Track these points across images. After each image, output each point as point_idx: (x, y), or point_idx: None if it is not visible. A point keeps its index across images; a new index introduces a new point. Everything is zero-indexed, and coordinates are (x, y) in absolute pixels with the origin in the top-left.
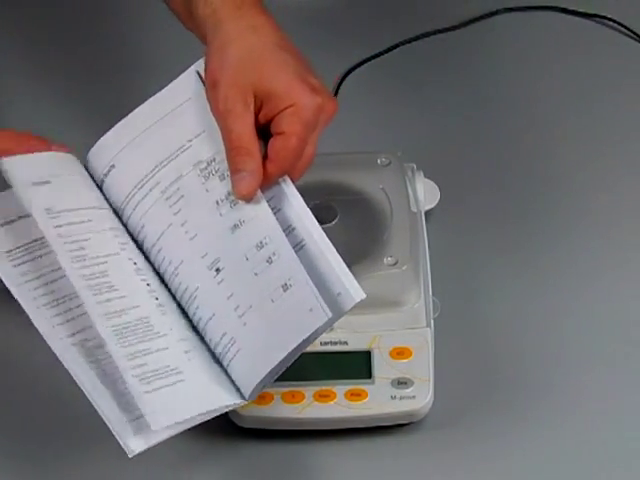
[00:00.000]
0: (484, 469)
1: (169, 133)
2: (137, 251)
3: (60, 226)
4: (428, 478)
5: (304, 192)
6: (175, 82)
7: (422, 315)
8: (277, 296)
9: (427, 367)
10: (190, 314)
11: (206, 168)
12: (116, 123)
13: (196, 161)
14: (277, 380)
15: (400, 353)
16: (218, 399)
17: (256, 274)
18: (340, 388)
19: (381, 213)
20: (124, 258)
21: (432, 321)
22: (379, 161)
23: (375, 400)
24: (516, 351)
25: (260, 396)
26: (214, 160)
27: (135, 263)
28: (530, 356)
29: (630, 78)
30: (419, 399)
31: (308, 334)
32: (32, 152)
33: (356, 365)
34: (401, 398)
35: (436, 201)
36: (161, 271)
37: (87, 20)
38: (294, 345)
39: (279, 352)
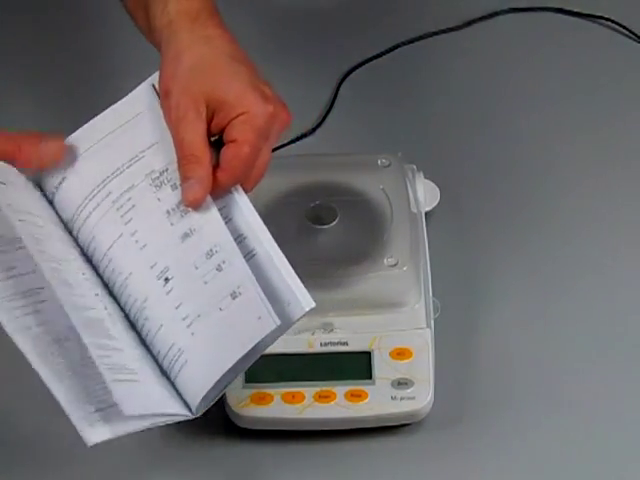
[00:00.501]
0: (484, 470)
1: (122, 144)
2: (85, 264)
3: (23, 221)
4: (428, 479)
5: (305, 192)
6: (131, 95)
7: (422, 316)
8: (226, 304)
9: (427, 368)
10: (139, 327)
11: (158, 177)
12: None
13: (149, 171)
14: (277, 381)
15: (400, 354)
16: (170, 406)
17: (205, 282)
18: (340, 389)
19: (381, 214)
20: (74, 267)
21: (432, 322)
22: (379, 162)
23: (375, 401)
24: (516, 352)
25: (260, 397)
26: (167, 170)
27: (84, 274)
28: (530, 357)
29: (630, 78)
30: (419, 400)
31: (255, 342)
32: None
33: (356, 366)
34: (401, 399)
35: (436, 202)
36: (110, 284)
37: (82, 22)
38: (242, 354)
39: (227, 361)
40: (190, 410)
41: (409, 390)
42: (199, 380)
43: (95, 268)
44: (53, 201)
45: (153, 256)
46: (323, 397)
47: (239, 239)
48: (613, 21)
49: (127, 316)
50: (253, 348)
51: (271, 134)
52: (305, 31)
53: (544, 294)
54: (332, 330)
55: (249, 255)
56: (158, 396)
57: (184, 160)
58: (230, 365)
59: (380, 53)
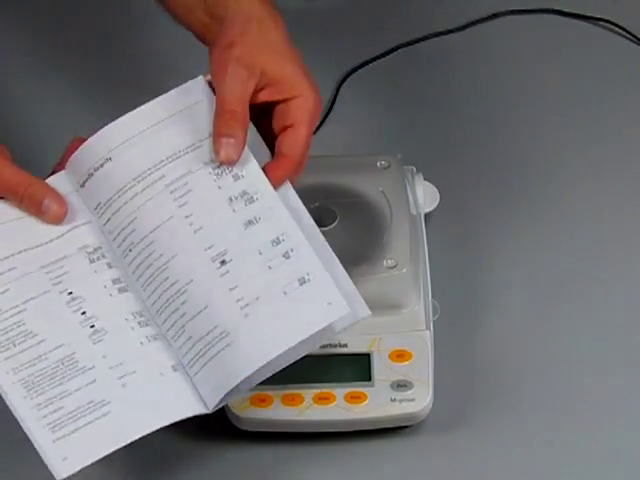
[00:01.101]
0: (483, 471)
1: (179, 131)
2: (80, 275)
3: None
4: None
5: (304, 194)
6: (184, 86)
7: (422, 318)
8: (292, 289)
9: (427, 370)
10: (166, 315)
11: (219, 167)
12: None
13: (208, 160)
14: (277, 383)
15: (400, 356)
16: (158, 418)
17: (270, 267)
18: (340, 391)
19: (381, 216)
20: (54, 294)
21: (432, 323)
22: (379, 164)
23: (375, 403)
24: (515, 353)
25: (260, 399)
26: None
27: (70, 293)
28: (530, 359)
29: (629, 80)
30: (419, 401)
31: (324, 325)
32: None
33: (356, 368)
34: (401, 401)
35: (436, 204)
36: (138, 271)
37: (89, 17)
38: (305, 335)
39: (283, 344)
40: (204, 405)
41: (408, 392)
42: (238, 364)
43: (121, 255)
44: (85, 184)
45: (210, 238)
46: (323, 399)
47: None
48: (612, 23)
49: (148, 309)
50: (314, 335)
51: (315, 122)
52: (305, 32)
53: (543, 296)
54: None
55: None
56: (140, 415)
57: (227, 114)
58: (286, 347)
59: (380, 54)
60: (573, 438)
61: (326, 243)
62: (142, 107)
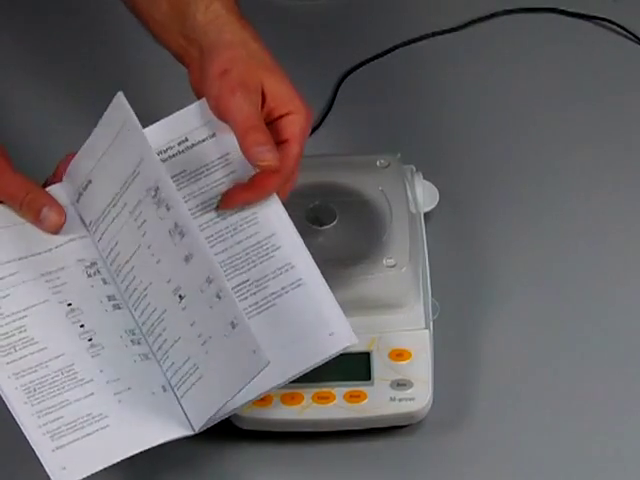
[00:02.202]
0: (483, 471)
1: (121, 159)
2: (78, 288)
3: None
4: (427, 479)
5: (304, 193)
6: (109, 111)
7: (421, 317)
8: (228, 332)
9: (426, 369)
10: (154, 336)
11: (155, 196)
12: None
13: (148, 187)
14: None
15: (399, 355)
16: (152, 436)
17: (211, 307)
18: (339, 390)
19: (380, 215)
20: (54, 303)
21: (431, 323)
22: (378, 163)
23: (374, 402)
24: (515, 352)
25: (260, 398)
26: (157, 189)
27: (70, 304)
28: (529, 357)
29: (629, 79)
30: (418, 401)
31: (250, 379)
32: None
33: (355, 367)
34: (400, 400)
35: (435, 203)
36: (129, 291)
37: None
38: (237, 389)
39: (233, 387)
40: (191, 426)
41: (408, 391)
42: (209, 398)
43: (114, 273)
44: (79, 200)
45: (167, 272)
46: (322, 398)
47: (286, 267)
48: (612, 22)
49: (139, 327)
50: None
51: (306, 139)
52: (305, 31)
53: (543, 295)
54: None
55: (295, 284)
56: (135, 432)
57: (251, 129)
58: (234, 392)
59: (379, 54)
60: (573, 438)
61: (315, 266)
62: (96, 129)
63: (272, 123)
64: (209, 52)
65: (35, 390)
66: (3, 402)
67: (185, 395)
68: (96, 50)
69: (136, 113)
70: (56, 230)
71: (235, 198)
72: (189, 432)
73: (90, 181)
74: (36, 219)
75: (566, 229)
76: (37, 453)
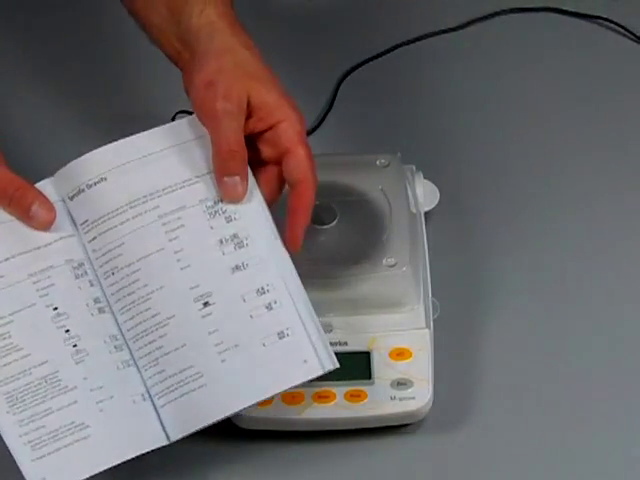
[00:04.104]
0: (483, 470)
1: (178, 164)
2: (65, 290)
3: None
4: (427, 479)
5: None
6: (180, 121)
7: (422, 316)
8: (271, 342)
9: (427, 368)
10: (143, 342)
11: (213, 207)
12: (110, 129)
13: (203, 197)
14: None
15: (400, 354)
16: (132, 447)
17: (251, 317)
18: (340, 389)
19: (380, 214)
20: (40, 307)
21: (432, 322)
22: (378, 162)
23: (375, 401)
24: (515, 352)
25: None
26: (222, 200)
27: (55, 308)
28: (530, 358)
29: (629, 79)
30: (419, 400)
31: (296, 383)
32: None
33: (356, 366)
34: (401, 399)
35: (435, 202)
36: (121, 293)
37: (88, 23)
38: (276, 391)
39: (255, 395)
40: (167, 436)
41: (408, 390)
42: (210, 407)
43: (102, 276)
44: (73, 199)
45: (196, 278)
46: (322, 397)
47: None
48: (612, 21)
49: (122, 333)
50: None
51: (307, 141)
52: (305, 31)
53: (544, 294)
54: (331, 330)
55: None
56: (115, 442)
57: (226, 155)
58: (256, 400)
59: (380, 53)
60: (573, 438)
61: (301, 287)
62: (144, 133)
63: (264, 134)
64: (198, 59)
65: (17, 399)
66: None
67: (169, 404)
68: (96, 51)
69: (135, 114)
70: (46, 227)
71: (296, 232)
72: (164, 442)
73: (105, 178)
74: (26, 216)
75: (566, 229)
76: (17, 462)
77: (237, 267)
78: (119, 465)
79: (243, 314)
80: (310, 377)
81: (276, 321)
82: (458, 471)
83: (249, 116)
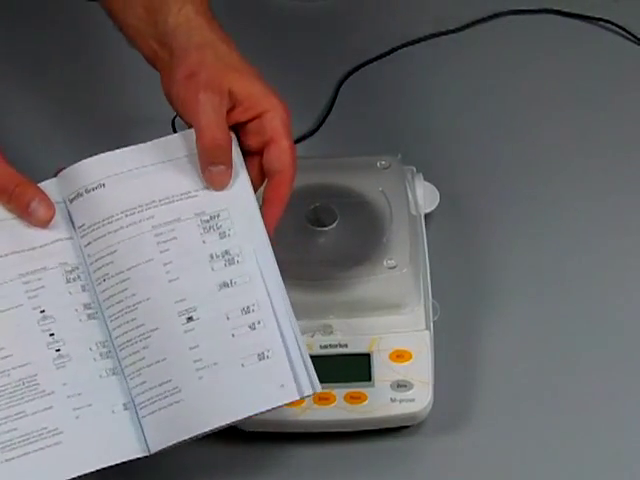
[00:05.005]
0: (483, 472)
1: (175, 176)
2: (55, 293)
3: None
4: None
5: (304, 194)
6: (184, 132)
7: (422, 318)
8: (250, 362)
9: (427, 370)
10: (129, 351)
11: (208, 221)
12: (108, 134)
13: (199, 211)
14: None
15: (400, 356)
16: (105, 456)
17: (233, 335)
18: (340, 391)
19: (381, 216)
20: (27, 309)
21: (432, 324)
22: (379, 164)
23: (375, 403)
24: (515, 354)
25: None
26: (218, 216)
27: (43, 311)
28: (529, 359)
29: (630, 80)
30: (419, 402)
31: (270, 407)
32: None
33: (356, 368)
34: (401, 401)
35: (436, 204)
36: (112, 300)
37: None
38: (249, 414)
39: (227, 416)
40: (147, 447)
41: (408, 392)
42: (187, 422)
43: (95, 281)
44: (73, 202)
45: (182, 292)
46: (323, 399)
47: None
48: (612, 23)
49: (112, 340)
50: (260, 412)
51: (291, 132)
52: (305, 32)
53: (544, 296)
54: (331, 332)
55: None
56: (88, 451)
57: (210, 144)
58: (229, 422)
59: (380, 55)
60: (573, 438)
61: (288, 301)
62: (148, 143)
63: (248, 124)
64: (178, 55)
65: None
66: None
67: (151, 415)
68: (96, 54)
69: (134, 117)
70: (44, 224)
71: (268, 224)
72: (144, 453)
73: (103, 185)
74: (25, 212)
75: (566, 229)
76: None
77: (225, 284)
78: (119, 466)
79: (226, 332)
80: (285, 402)
81: (258, 342)
82: (458, 473)
83: (233, 107)
